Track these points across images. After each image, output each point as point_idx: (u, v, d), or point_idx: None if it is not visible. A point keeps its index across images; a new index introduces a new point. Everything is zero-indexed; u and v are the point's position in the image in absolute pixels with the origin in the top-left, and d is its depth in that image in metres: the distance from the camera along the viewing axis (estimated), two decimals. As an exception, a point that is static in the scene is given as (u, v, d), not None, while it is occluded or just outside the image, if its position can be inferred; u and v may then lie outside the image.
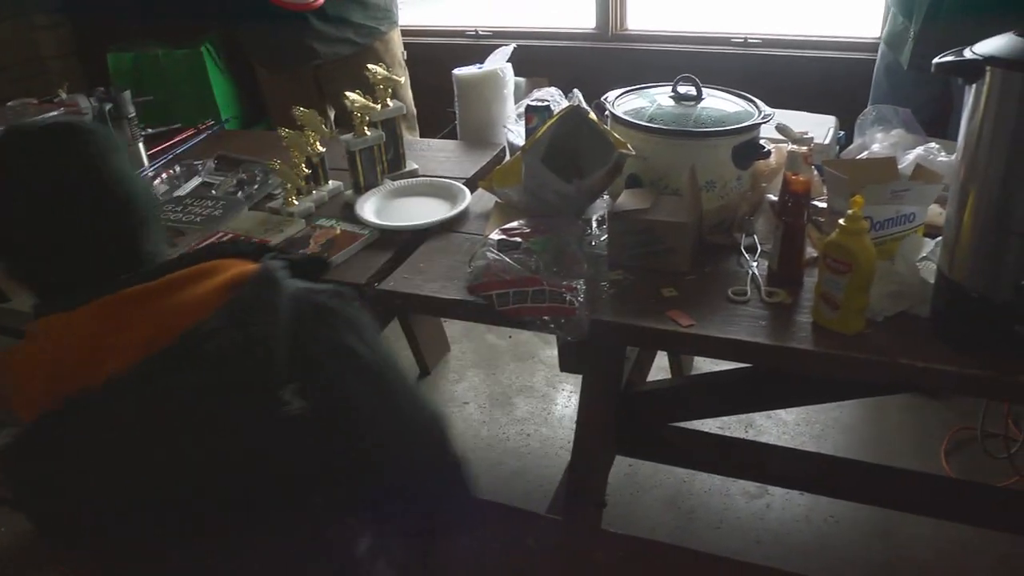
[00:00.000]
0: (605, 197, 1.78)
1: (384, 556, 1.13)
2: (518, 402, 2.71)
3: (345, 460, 1.02)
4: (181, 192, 2.11)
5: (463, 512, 1.20)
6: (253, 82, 2.99)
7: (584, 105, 1.74)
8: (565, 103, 1.96)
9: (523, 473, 2.41)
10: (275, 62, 2.74)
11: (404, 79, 2.72)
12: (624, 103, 1.76)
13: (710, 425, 2.44)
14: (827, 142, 1.89)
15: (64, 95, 2.62)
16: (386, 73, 2.02)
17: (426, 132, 2.85)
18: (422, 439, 1.11)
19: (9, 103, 2.64)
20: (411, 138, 2.54)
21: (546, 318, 1.45)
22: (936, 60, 1.23)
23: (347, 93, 1.97)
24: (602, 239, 1.67)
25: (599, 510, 1.89)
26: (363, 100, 1.97)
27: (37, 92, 2.79)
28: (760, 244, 1.63)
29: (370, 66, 2.02)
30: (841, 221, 1.32)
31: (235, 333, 0.94)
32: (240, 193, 2.05)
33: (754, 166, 1.72)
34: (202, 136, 2.48)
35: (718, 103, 1.73)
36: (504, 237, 1.61)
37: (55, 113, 2.50)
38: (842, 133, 2.02)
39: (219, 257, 1.04)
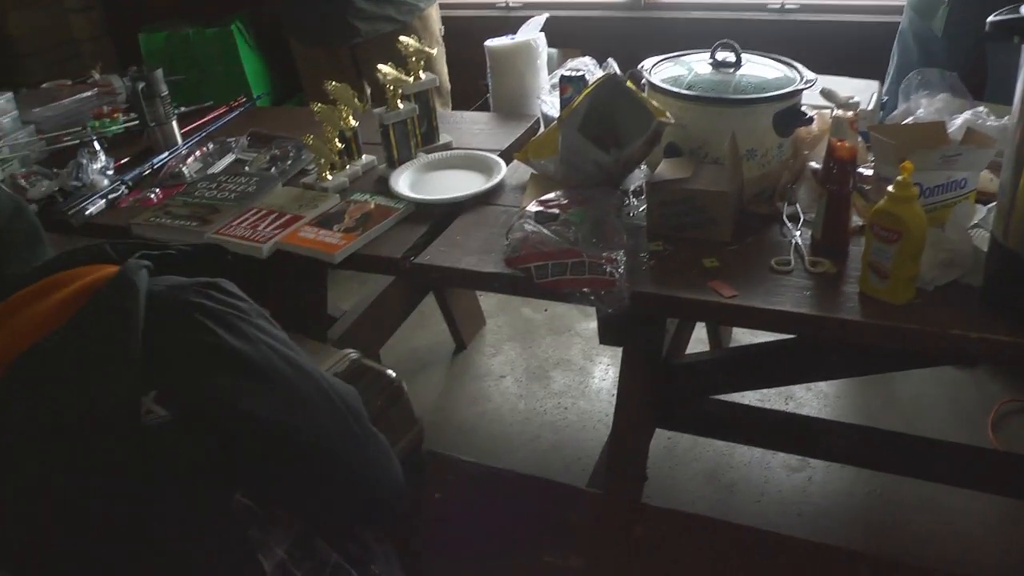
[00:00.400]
0: (643, 167, 1.75)
1: (309, 561, 1.07)
2: (555, 375, 2.70)
3: (243, 458, 0.95)
4: (215, 169, 2.11)
5: (394, 493, 1.11)
6: (283, 59, 2.98)
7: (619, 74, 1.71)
8: (600, 73, 1.93)
9: (561, 447, 2.41)
10: (315, 40, 2.72)
11: (439, 52, 2.70)
12: (661, 71, 1.72)
13: (749, 398, 2.42)
14: (871, 107, 1.84)
15: (97, 76, 2.64)
16: (418, 45, 1.99)
17: (458, 106, 2.83)
18: (324, 418, 1.01)
19: (44, 85, 2.67)
20: (444, 111, 2.52)
21: (586, 290, 1.43)
22: (991, 19, 1.18)
23: (379, 66, 1.94)
24: (640, 210, 1.64)
25: (641, 483, 1.88)
26: (395, 72, 1.94)
27: (71, 74, 2.82)
28: (803, 213, 1.59)
29: (402, 38, 1.99)
30: (890, 188, 1.28)
31: (81, 348, 0.89)
32: (273, 169, 2.04)
33: (795, 133, 1.68)
34: (234, 113, 2.47)
35: (758, 69, 1.68)
36: (541, 209, 1.58)
37: (88, 94, 2.52)
38: (885, 98, 1.97)
39: (76, 264, 0.96)
